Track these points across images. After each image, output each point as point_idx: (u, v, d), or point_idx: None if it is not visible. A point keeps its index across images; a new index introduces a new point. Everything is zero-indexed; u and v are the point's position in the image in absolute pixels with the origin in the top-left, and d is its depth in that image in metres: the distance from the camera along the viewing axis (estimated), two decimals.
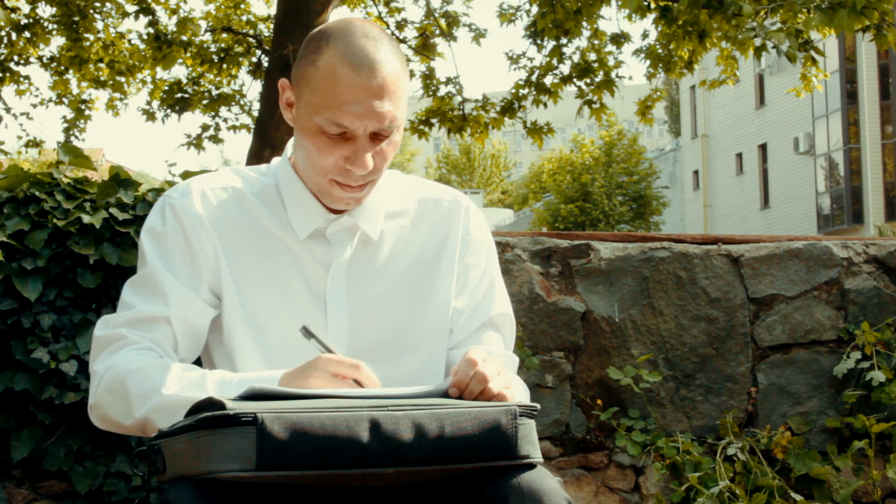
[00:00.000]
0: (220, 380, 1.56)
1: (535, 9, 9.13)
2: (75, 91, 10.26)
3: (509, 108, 9.28)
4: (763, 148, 31.88)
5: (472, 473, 1.45)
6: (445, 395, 1.48)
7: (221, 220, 1.69)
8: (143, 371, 1.59)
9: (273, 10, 9.86)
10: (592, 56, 9.02)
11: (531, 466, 1.45)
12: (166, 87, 9.93)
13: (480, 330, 1.77)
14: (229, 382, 1.56)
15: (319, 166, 1.63)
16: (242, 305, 1.68)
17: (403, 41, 9.77)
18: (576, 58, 9.05)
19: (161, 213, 1.70)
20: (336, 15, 7.88)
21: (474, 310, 1.77)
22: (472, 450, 1.40)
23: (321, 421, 1.35)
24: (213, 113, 9.89)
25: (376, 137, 1.62)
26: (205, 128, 9.90)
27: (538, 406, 1.48)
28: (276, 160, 1.78)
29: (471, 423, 1.41)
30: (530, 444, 1.45)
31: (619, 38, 9.05)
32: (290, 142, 1.76)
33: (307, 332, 1.53)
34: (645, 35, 9.29)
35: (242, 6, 10.07)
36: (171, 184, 3.13)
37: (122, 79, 10.13)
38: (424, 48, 9.60)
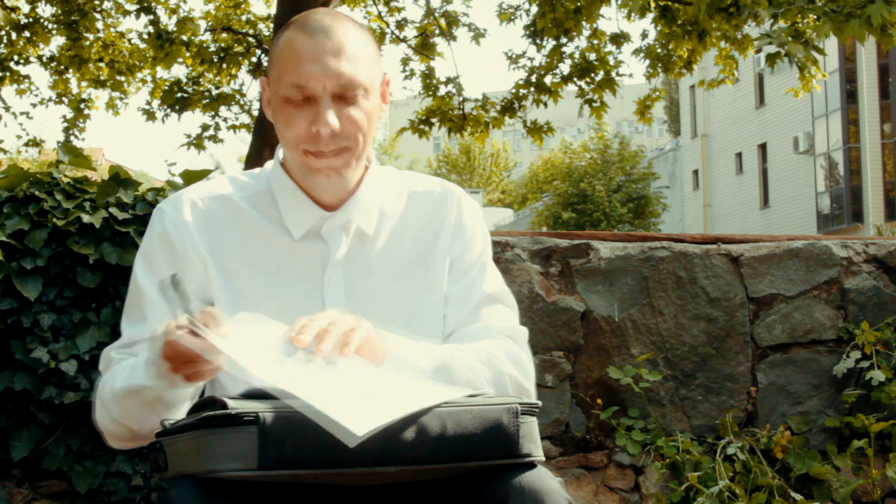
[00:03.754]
0: (137, 363, 1.60)
1: (534, 8, 9.14)
2: (75, 90, 10.27)
3: (509, 107, 9.28)
4: (763, 147, 31.89)
5: (474, 472, 1.44)
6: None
7: (213, 230, 1.70)
8: (111, 378, 1.66)
9: (273, 10, 9.86)
10: (592, 56, 9.03)
11: (532, 465, 1.45)
12: (166, 87, 9.93)
13: (478, 307, 1.76)
14: (139, 365, 1.60)
15: (291, 138, 1.65)
16: (238, 313, 1.67)
17: (403, 41, 9.77)
18: (576, 57, 9.05)
19: (151, 227, 1.73)
20: None
21: (468, 290, 1.76)
22: (473, 448, 1.40)
23: None
24: (212, 112, 9.90)
25: (341, 100, 1.63)
26: (205, 127, 9.91)
27: (539, 403, 1.48)
28: (269, 164, 1.79)
29: (472, 422, 1.40)
30: (532, 442, 1.45)
31: (619, 38, 9.06)
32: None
33: (173, 283, 1.49)
34: (644, 35, 9.28)
35: (242, 6, 10.07)
36: (171, 184, 3.13)
37: (122, 78, 10.13)
38: (424, 48, 9.61)
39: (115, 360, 1.70)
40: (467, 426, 1.40)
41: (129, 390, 1.59)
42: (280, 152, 1.76)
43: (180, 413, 1.60)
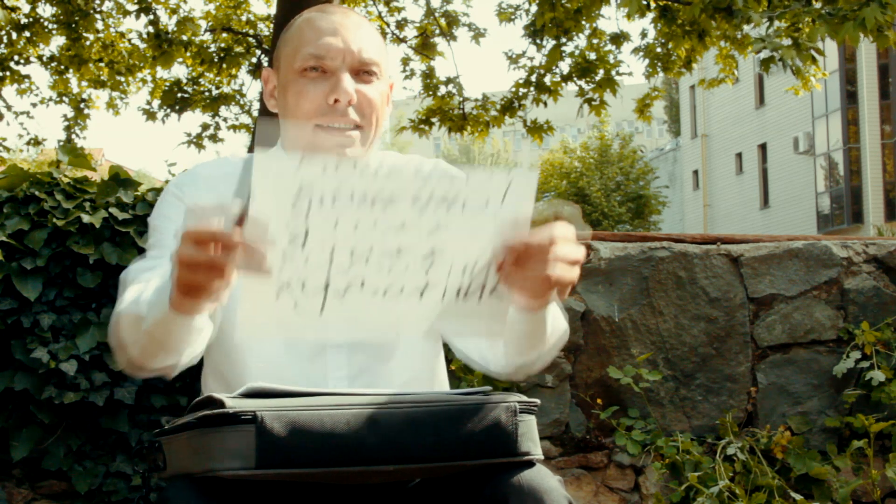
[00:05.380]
0: (155, 287, 1.45)
1: (534, 8, 9.14)
2: (75, 90, 10.28)
3: (509, 106, 9.28)
4: (763, 148, 31.88)
5: (473, 471, 1.44)
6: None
7: (216, 194, 1.66)
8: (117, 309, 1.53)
9: (273, 10, 9.86)
10: (592, 56, 9.03)
11: (531, 464, 1.45)
12: (166, 87, 9.94)
13: None
14: (150, 294, 1.45)
15: (303, 112, 1.62)
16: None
17: (403, 41, 9.77)
18: (576, 56, 9.06)
19: (165, 199, 1.69)
20: None
21: None
22: (472, 447, 1.40)
23: (321, 419, 1.35)
24: (212, 113, 9.91)
25: (356, 76, 1.63)
26: (205, 127, 9.93)
27: (538, 402, 1.48)
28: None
29: (471, 421, 1.40)
30: (531, 440, 1.45)
31: (619, 38, 9.06)
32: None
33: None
34: (644, 34, 9.29)
35: (242, 6, 10.07)
36: None
37: (122, 78, 10.15)
38: (424, 48, 9.61)
39: (132, 274, 1.58)
40: (465, 425, 1.40)
41: (128, 316, 1.47)
42: (279, 140, 1.74)
43: (171, 358, 1.47)
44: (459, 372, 3.19)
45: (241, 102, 10.10)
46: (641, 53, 9.14)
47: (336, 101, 1.61)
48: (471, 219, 1.31)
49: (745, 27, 7.27)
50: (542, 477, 1.43)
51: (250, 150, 7.53)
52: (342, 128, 1.62)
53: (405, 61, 9.84)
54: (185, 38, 9.56)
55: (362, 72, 1.63)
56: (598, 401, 3.36)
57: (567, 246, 1.38)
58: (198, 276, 1.26)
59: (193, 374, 2.51)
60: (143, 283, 1.52)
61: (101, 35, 9.90)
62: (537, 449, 1.45)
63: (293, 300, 1.28)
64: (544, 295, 1.39)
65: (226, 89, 10.09)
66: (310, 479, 1.39)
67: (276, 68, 1.70)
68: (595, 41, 9.07)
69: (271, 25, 9.22)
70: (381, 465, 1.37)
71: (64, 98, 10.25)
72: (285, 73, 1.65)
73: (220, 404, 1.35)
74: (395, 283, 1.31)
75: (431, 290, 1.34)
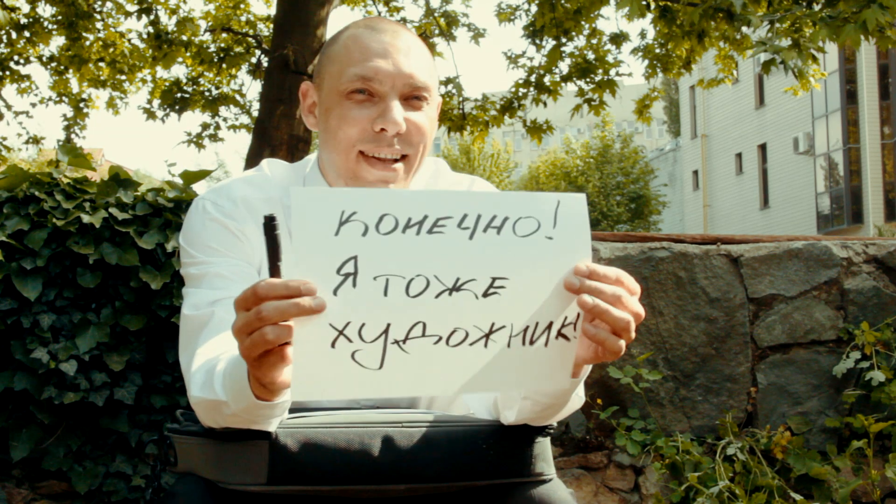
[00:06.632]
0: (220, 371, 1.36)
1: (534, 8, 9.15)
2: (75, 90, 10.30)
3: (509, 107, 9.29)
4: (763, 148, 31.89)
5: (486, 486, 1.44)
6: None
7: (256, 220, 1.55)
8: (193, 372, 1.42)
9: (273, 10, 9.87)
10: (591, 56, 9.05)
11: (544, 482, 1.45)
12: (166, 87, 9.95)
13: None
14: (219, 373, 1.36)
15: (345, 138, 1.51)
16: None
17: None
18: (575, 55, 9.06)
19: (203, 222, 1.56)
20: (336, 14, 7.91)
21: None
22: (485, 468, 1.39)
23: (334, 436, 1.34)
24: (212, 112, 9.92)
25: (406, 102, 1.52)
26: (205, 127, 9.94)
27: (554, 424, 1.46)
28: (294, 165, 1.67)
29: (485, 442, 1.40)
30: (544, 461, 1.44)
31: (618, 38, 9.07)
32: (314, 155, 1.66)
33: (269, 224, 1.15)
34: (643, 35, 9.30)
35: (242, 6, 10.08)
36: (170, 184, 3.13)
37: (123, 77, 10.17)
38: None
39: (215, 317, 1.44)
40: (480, 446, 1.39)
41: (207, 402, 1.34)
42: (311, 158, 1.64)
43: (270, 426, 1.36)
44: None
45: (241, 102, 10.12)
46: (641, 54, 9.15)
47: (383, 129, 1.50)
48: (526, 243, 1.19)
49: (745, 29, 7.29)
50: (555, 490, 1.43)
51: (249, 153, 7.52)
52: (387, 158, 1.52)
53: None
54: (185, 38, 9.57)
55: (412, 97, 1.52)
56: (598, 401, 3.36)
57: (634, 288, 1.22)
58: (256, 339, 1.12)
59: None
60: (209, 352, 1.40)
61: (101, 35, 9.91)
62: (551, 469, 1.45)
63: (351, 349, 1.13)
64: (611, 343, 1.20)
65: (225, 89, 10.11)
66: (320, 494, 1.38)
67: (318, 85, 1.58)
68: (594, 41, 9.08)
69: (271, 26, 9.23)
70: (394, 483, 1.36)
71: (64, 98, 10.26)
72: (329, 93, 1.54)
73: None
74: (458, 324, 1.17)
75: (497, 334, 1.19)
